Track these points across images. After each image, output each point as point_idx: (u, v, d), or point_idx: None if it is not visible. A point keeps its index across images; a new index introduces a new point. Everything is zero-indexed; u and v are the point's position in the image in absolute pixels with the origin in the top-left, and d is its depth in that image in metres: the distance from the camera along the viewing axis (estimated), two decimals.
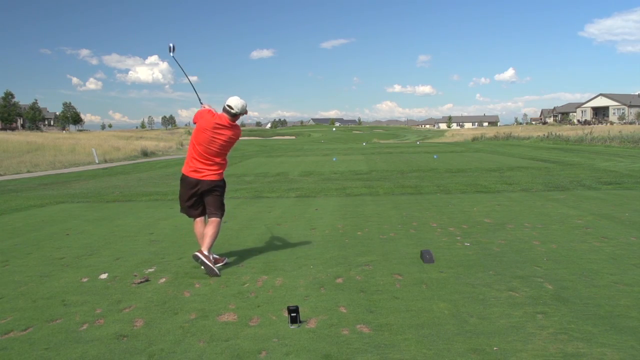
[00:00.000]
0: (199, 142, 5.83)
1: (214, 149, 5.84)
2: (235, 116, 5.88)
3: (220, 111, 5.94)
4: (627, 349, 3.55)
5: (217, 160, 5.93)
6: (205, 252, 5.76)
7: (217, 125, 5.79)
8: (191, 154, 5.91)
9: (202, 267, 5.79)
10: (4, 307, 4.84)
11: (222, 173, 6.03)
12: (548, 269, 5.56)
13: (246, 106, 5.92)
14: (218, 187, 5.99)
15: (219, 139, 5.83)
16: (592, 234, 7.29)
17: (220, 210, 6.03)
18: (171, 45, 6.15)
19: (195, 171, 5.90)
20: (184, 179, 6.00)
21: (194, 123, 5.96)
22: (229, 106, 5.83)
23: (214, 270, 5.68)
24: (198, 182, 5.90)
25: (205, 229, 5.94)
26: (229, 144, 5.95)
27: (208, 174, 5.90)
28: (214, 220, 5.96)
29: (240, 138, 6.08)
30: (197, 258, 5.76)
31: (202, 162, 5.88)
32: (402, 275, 5.50)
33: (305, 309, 4.49)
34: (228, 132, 5.86)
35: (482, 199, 11.30)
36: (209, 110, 5.94)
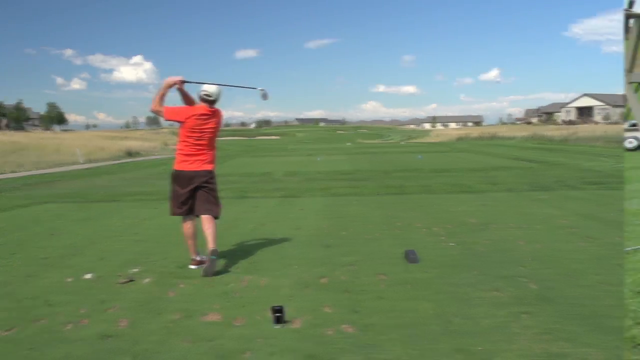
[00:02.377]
0: (190, 137, 5.86)
1: (205, 140, 5.92)
2: (214, 102, 5.94)
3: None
4: (611, 349, 3.58)
5: (209, 150, 6.02)
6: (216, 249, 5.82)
7: (202, 116, 5.84)
8: (182, 150, 5.93)
9: (203, 266, 5.79)
10: None
11: (214, 162, 6.10)
12: (533, 269, 5.59)
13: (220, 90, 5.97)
14: (211, 180, 6.02)
15: (208, 129, 5.91)
16: (577, 234, 7.33)
17: (213, 206, 6.04)
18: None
19: (189, 164, 5.91)
20: (179, 175, 5.96)
21: (168, 119, 5.96)
22: (206, 94, 5.87)
23: (213, 270, 5.70)
24: (194, 174, 5.91)
25: (206, 229, 5.89)
26: (216, 130, 6.05)
27: (202, 164, 5.94)
28: (209, 218, 5.96)
29: (222, 124, 6.14)
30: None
31: (195, 155, 5.91)
32: (387, 275, 5.50)
33: (289, 309, 4.46)
34: (213, 120, 5.95)
35: (467, 199, 11.34)
36: (185, 107, 5.97)
